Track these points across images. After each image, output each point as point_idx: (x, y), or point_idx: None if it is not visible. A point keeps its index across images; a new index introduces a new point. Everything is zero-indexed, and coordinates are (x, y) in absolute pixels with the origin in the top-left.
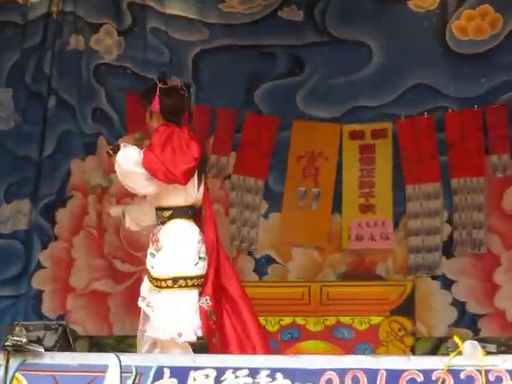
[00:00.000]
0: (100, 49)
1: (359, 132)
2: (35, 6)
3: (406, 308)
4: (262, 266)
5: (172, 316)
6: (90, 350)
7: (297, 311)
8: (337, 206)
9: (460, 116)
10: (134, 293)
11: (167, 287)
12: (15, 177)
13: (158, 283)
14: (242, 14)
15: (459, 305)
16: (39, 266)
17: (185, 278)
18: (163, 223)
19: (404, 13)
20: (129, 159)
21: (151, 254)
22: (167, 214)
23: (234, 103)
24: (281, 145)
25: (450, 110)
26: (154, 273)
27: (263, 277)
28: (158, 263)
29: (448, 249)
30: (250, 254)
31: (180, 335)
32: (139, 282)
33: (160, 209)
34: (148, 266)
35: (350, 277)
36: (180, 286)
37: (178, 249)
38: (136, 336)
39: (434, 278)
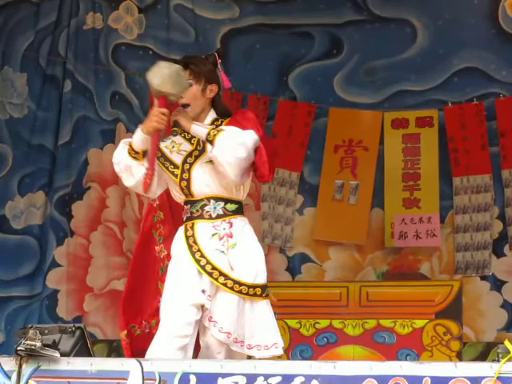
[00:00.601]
0: (119, 27)
1: (402, 120)
2: None
3: (453, 310)
4: (296, 264)
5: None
6: (109, 355)
7: (334, 314)
8: (377, 201)
9: None
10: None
11: (259, 296)
12: (29, 168)
13: (247, 290)
14: None
15: (510, 307)
16: (54, 264)
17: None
18: (224, 216)
19: None
20: (251, 140)
21: (219, 250)
22: (233, 207)
23: (266, 88)
24: (317, 133)
25: (501, 96)
26: (239, 276)
27: (296, 276)
28: (245, 266)
29: (498, 247)
30: (281, 251)
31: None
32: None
33: (224, 200)
34: (218, 264)
35: (391, 276)
36: (266, 296)
37: (260, 251)
38: None
39: (483, 278)
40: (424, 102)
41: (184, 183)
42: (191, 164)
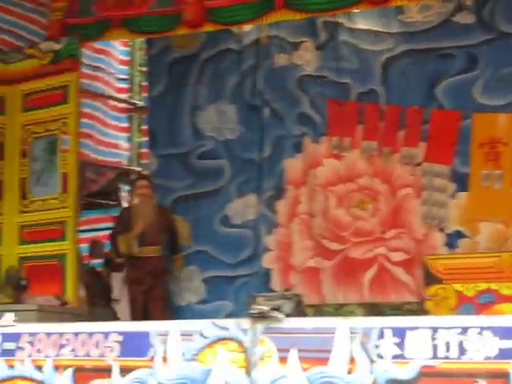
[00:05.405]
0: (301, 63)
1: None
2: (247, 33)
3: None
4: (453, 240)
5: None
6: (313, 316)
7: (490, 278)
8: None
9: None
10: (341, 268)
11: None
12: (243, 176)
13: None
14: (421, 22)
15: None
16: (266, 249)
17: None
18: None
19: None
20: None
21: None
22: None
23: (419, 100)
24: (463, 134)
25: None
26: None
27: (454, 249)
28: None
29: None
30: (440, 230)
31: None
32: (346, 258)
33: None
34: None
35: None
36: None
37: None
38: (350, 304)
39: None
40: None
41: None
42: None
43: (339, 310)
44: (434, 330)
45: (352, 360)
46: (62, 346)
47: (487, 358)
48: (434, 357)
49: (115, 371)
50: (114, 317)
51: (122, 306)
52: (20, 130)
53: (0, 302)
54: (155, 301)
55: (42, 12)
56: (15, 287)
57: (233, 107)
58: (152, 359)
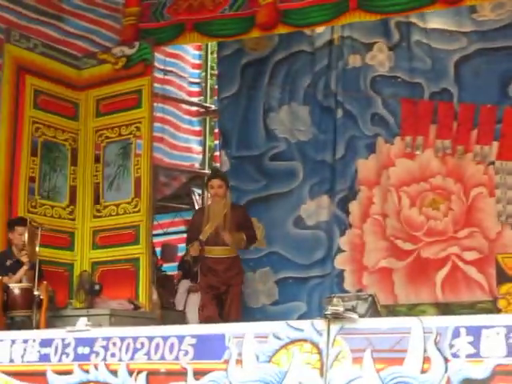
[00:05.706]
0: (374, 63)
1: None
2: (320, 35)
3: None
4: None
5: None
6: (386, 316)
7: None
8: None
9: None
10: (414, 268)
11: None
12: (316, 177)
13: None
14: (493, 20)
15: None
16: (339, 250)
17: None
18: None
19: None
20: None
21: None
22: None
23: (491, 98)
24: None
25: None
26: None
27: None
28: None
29: None
30: None
31: None
32: (419, 258)
33: None
34: None
35: None
36: None
37: None
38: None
39: None
40: None
41: None
42: None
43: (412, 310)
44: (509, 328)
45: (426, 359)
46: (136, 350)
47: None
48: (509, 355)
49: (190, 374)
50: (183, 320)
51: (187, 312)
52: (93, 136)
53: (73, 306)
54: (229, 302)
55: (114, 17)
56: (88, 292)
57: (305, 109)
58: (226, 362)
